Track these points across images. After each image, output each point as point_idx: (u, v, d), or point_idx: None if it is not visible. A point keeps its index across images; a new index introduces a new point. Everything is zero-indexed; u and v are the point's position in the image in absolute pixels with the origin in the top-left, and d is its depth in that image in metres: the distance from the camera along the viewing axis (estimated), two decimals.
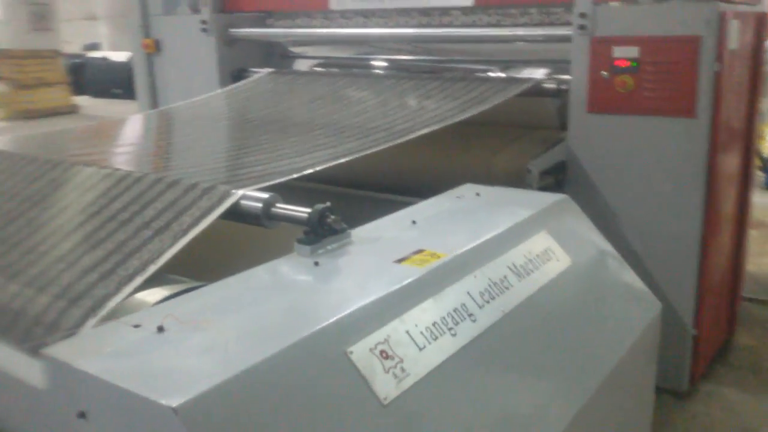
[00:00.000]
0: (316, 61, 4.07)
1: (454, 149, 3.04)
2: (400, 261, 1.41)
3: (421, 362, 1.20)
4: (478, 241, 1.55)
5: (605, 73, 2.63)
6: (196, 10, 3.83)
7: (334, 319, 1.13)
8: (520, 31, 3.03)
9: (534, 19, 3.11)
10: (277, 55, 4.11)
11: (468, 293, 1.39)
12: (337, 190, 2.82)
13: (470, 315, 1.35)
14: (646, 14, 2.54)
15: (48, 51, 9.88)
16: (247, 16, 3.93)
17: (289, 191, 1.68)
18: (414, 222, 1.68)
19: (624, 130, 2.64)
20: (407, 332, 1.22)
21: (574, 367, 1.49)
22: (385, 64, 3.79)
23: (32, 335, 1.26)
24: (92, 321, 1.23)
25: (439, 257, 1.44)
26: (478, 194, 1.95)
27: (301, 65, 4.08)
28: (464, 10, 3.29)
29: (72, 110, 10.23)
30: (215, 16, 3.76)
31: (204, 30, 3.75)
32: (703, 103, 2.48)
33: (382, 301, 1.23)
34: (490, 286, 1.45)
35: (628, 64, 2.59)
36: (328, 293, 1.28)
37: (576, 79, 2.72)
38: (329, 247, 1.49)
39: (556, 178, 2.76)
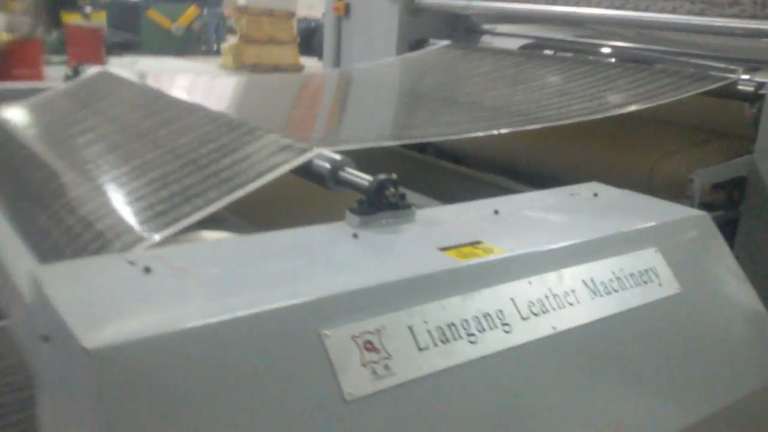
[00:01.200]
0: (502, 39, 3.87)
1: (616, 145, 2.71)
2: (444, 249, 1.25)
3: (415, 364, 1.04)
4: (556, 245, 1.32)
5: None
6: None
7: (319, 296, 1.01)
8: (721, 22, 2.61)
9: (745, 11, 2.67)
10: (462, 30, 3.98)
11: (512, 300, 1.19)
12: (461, 170, 2.64)
13: (505, 325, 1.15)
14: None
15: (283, 11, 10.59)
16: None
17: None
18: (496, 212, 1.49)
19: None
20: (410, 327, 1.06)
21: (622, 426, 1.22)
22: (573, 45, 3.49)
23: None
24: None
25: (493, 253, 1.25)
26: (596, 194, 1.70)
27: (492, 43, 3.90)
28: None
29: (297, 69, 10.93)
30: None
31: None
32: None
33: (390, 287, 1.08)
34: (547, 297, 1.23)
35: None
36: (339, 268, 1.16)
37: None
38: (384, 222, 1.36)
39: (731, 196, 2.35)
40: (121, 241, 1.35)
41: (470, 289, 1.16)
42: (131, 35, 13.61)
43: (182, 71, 10.69)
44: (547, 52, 3.41)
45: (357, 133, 2.20)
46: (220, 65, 11.85)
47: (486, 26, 3.99)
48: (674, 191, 2.29)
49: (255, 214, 1.72)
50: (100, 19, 11.07)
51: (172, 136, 1.82)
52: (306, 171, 1.55)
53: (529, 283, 1.23)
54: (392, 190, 1.38)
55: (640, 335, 1.33)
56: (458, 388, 1.06)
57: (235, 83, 3.39)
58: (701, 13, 2.77)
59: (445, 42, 3.64)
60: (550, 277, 1.26)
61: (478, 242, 1.30)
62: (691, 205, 2.21)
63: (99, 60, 11.07)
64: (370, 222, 1.36)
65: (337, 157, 1.51)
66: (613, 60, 2.93)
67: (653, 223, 1.50)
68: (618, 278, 1.35)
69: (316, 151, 1.54)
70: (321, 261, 1.17)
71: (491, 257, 1.23)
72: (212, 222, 1.44)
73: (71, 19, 10.33)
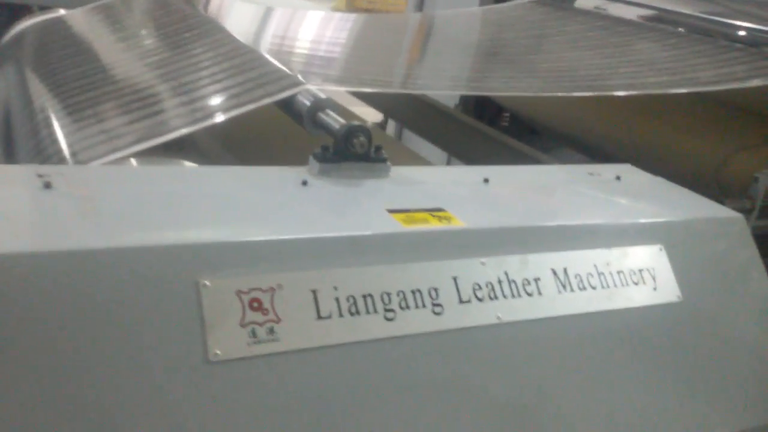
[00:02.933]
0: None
1: (688, 130, 2.43)
2: (394, 212, 1.10)
3: (308, 333, 0.91)
4: (527, 225, 1.15)
5: None
6: None
7: (206, 240, 0.90)
8: None
9: None
10: None
11: (454, 279, 1.04)
12: (503, 138, 2.44)
13: (437, 305, 1.01)
14: None
15: None
16: None
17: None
18: (486, 180, 1.32)
19: None
20: (313, 291, 0.93)
21: None
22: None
23: None
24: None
25: (449, 223, 1.09)
26: (618, 177, 1.49)
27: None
28: None
29: None
30: None
31: None
32: None
33: (299, 244, 0.95)
34: (500, 282, 1.07)
35: None
36: (253, 214, 1.03)
37: None
38: (347, 173, 1.23)
39: None
40: None
41: (404, 259, 1.02)
42: None
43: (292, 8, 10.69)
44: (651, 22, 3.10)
45: (400, 79, 2.05)
46: (333, 8, 11.78)
47: None
48: (743, 190, 2.02)
49: (246, 149, 1.63)
50: None
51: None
52: (288, 107, 1.43)
53: (482, 263, 1.07)
54: (362, 139, 1.24)
55: (612, 345, 1.14)
56: (357, 369, 0.93)
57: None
58: None
59: None
60: (511, 261, 1.10)
61: (439, 209, 1.15)
62: (752, 207, 1.94)
63: None
64: (331, 171, 1.23)
65: (321, 95, 1.38)
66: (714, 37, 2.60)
67: (663, 219, 1.28)
68: (600, 273, 1.17)
69: (303, 87, 1.42)
70: (241, 205, 1.05)
71: (439, 227, 1.07)
72: (177, 148, 1.36)
73: None
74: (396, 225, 1.05)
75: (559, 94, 2.05)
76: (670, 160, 2.43)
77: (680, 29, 2.81)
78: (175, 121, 1.36)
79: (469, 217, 1.13)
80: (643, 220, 1.27)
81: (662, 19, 3.02)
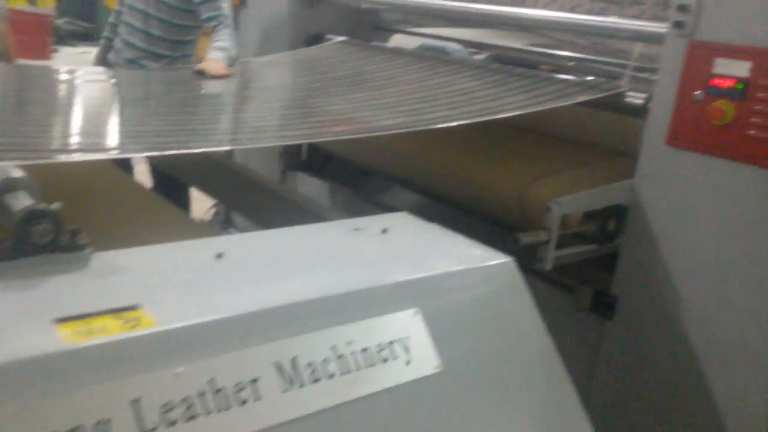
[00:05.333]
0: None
1: (493, 160, 2.36)
2: (65, 321, 0.88)
3: None
4: (247, 310, 0.96)
5: (699, 93, 1.83)
6: None
7: None
8: (599, 22, 2.26)
9: (646, 13, 2.33)
10: (369, 26, 3.61)
11: (134, 404, 0.82)
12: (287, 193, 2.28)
13: None
14: None
15: None
16: None
17: None
18: (219, 256, 1.13)
19: (712, 178, 1.83)
20: None
21: None
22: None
23: None
24: None
25: (136, 326, 0.89)
26: (385, 231, 1.34)
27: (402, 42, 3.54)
28: None
29: None
30: None
31: None
32: None
33: None
34: (202, 396, 0.87)
35: (731, 84, 1.77)
36: None
37: (659, 96, 1.93)
38: (29, 270, 0.99)
39: (604, 228, 2.00)
40: None
41: (65, 387, 0.80)
42: (87, 24, 13.13)
43: None
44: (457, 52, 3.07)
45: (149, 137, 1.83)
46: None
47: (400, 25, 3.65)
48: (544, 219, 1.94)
49: None
50: (47, 5, 10.61)
51: None
52: None
53: (177, 374, 0.87)
54: (44, 225, 1.02)
55: None
56: None
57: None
58: (600, 13, 2.44)
59: (342, 38, 3.28)
60: (218, 363, 0.90)
61: (132, 308, 0.94)
62: (548, 239, 1.87)
63: (45, 50, 10.59)
64: (5, 271, 0.99)
65: (15, 173, 1.14)
66: (502, 64, 2.58)
67: (421, 276, 1.14)
68: (340, 357, 0.99)
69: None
70: None
71: (114, 336, 0.86)
72: None
73: (14, 3, 9.87)
74: (55, 342, 0.83)
75: (373, 134, 1.91)
76: (479, 190, 2.36)
77: (491, 61, 2.80)
78: None
79: (170, 314, 0.92)
80: (396, 281, 1.13)
81: (476, 52, 3.01)
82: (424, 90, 2.38)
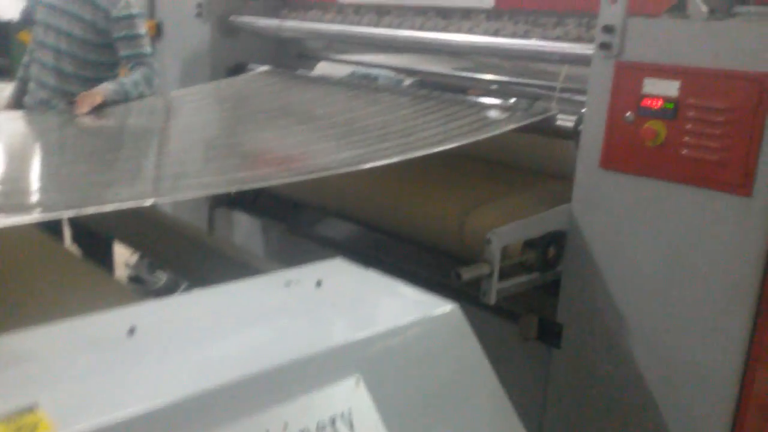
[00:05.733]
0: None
1: (429, 190, 2.30)
2: None
3: None
4: (149, 408, 0.84)
5: (630, 114, 1.81)
6: None
7: None
8: (526, 45, 2.24)
9: (570, 34, 2.32)
10: (294, 55, 3.53)
11: None
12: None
13: None
14: (697, 35, 1.70)
15: None
16: (260, 4, 3.37)
17: None
18: (131, 331, 1.01)
19: (648, 200, 1.81)
20: None
21: None
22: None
23: None
24: None
25: None
26: (320, 283, 1.24)
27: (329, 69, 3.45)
28: (487, 14, 2.54)
29: None
30: None
31: (198, 14, 3.23)
32: (765, 177, 1.61)
33: None
34: None
35: (661, 104, 1.76)
36: None
37: (590, 119, 1.91)
38: None
39: (545, 256, 1.96)
40: None
41: None
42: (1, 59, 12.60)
43: None
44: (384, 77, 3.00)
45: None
46: None
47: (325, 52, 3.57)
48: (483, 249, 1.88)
49: None
50: None
51: None
52: None
53: None
54: None
55: None
56: None
57: None
58: (525, 36, 2.41)
59: (265, 67, 3.19)
60: None
61: (30, 409, 0.81)
62: (491, 271, 1.81)
63: None
64: None
65: None
66: (432, 90, 2.53)
67: (361, 336, 1.05)
68: None
69: None
70: None
71: None
72: None
73: None
74: None
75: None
76: (416, 221, 2.30)
77: (425, 88, 2.74)
78: None
79: (71, 414, 0.80)
80: (335, 346, 1.03)
81: (419, 83, 2.94)
82: (357, 121, 2.30)
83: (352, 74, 3.09)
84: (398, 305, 1.17)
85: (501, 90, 2.70)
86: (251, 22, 3.16)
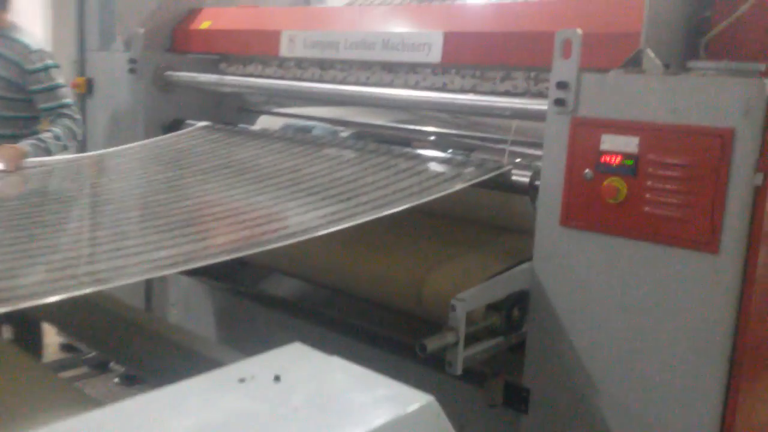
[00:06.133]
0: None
1: (385, 252, 2.20)
2: None
3: None
4: None
5: (588, 171, 1.76)
6: (129, 46, 3.18)
7: None
8: (477, 101, 2.19)
9: (519, 87, 2.28)
10: (235, 109, 3.41)
11: None
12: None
13: None
14: (654, 90, 1.67)
15: None
16: (198, 58, 3.26)
17: None
18: None
19: (612, 258, 1.75)
20: None
21: None
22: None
23: None
24: None
25: None
26: (278, 378, 1.11)
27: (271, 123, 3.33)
28: (434, 68, 2.49)
29: None
30: (148, 55, 3.10)
31: (132, 71, 3.09)
32: (731, 233, 1.57)
33: None
34: None
35: (620, 161, 1.71)
36: None
37: (548, 175, 1.85)
38: None
39: (509, 317, 1.87)
40: None
41: None
42: None
43: None
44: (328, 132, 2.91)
45: None
46: None
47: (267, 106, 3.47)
48: (445, 313, 1.78)
49: None
50: None
51: None
52: None
53: None
54: None
55: None
56: None
57: None
58: (472, 89, 2.37)
59: (204, 123, 3.05)
60: None
61: None
62: (456, 340, 1.71)
63: None
64: None
65: None
66: (381, 146, 2.45)
67: None
68: None
69: None
70: None
71: None
72: None
73: None
74: None
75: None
76: (372, 282, 2.19)
77: (355, 139, 2.67)
78: None
79: None
80: None
81: (358, 135, 2.86)
82: (305, 181, 2.20)
83: (286, 127, 3.00)
84: (368, 403, 1.05)
85: (440, 142, 2.66)
86: (190, 77, 3.04)
